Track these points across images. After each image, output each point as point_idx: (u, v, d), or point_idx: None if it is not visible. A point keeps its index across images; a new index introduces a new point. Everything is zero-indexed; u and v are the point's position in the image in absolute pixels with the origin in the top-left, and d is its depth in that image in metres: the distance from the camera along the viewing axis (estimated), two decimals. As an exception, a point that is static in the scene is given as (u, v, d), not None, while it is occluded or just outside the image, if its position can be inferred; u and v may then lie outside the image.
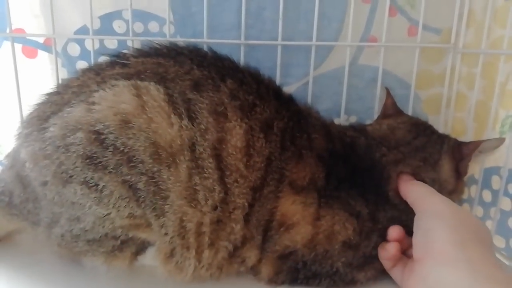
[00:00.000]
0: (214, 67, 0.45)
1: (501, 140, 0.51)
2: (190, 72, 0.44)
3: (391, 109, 0.57)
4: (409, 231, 0.45)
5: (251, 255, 0.44)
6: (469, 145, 0.51)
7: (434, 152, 0.50)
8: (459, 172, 0.51)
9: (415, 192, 0.45)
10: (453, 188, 0.50)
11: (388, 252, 0.44)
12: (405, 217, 0.45)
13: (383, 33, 0.63)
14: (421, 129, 0.52)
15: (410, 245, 0.45)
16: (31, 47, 0.62)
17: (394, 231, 0.45)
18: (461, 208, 0.43)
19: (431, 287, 0.37)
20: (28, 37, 0.61)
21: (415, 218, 0.43)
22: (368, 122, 0.61)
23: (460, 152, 0.51)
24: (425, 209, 0.42)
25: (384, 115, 0.57)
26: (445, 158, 0.50)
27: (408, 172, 0.48)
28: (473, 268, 0.35)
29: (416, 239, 0.41)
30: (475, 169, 0.62)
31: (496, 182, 0.59)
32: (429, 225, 0.40)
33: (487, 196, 0.60)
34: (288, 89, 0.64)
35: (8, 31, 0.58)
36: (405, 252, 0.46)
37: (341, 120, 0.66)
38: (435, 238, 0.39)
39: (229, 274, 0.45)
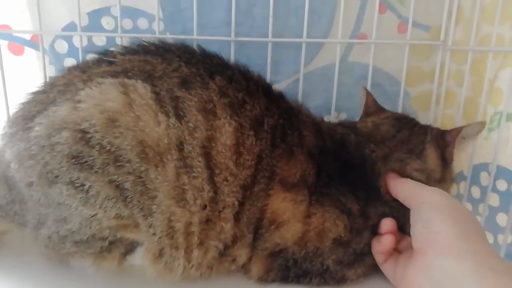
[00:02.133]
0: (203, 64, 0.45)
1: (482, 124, 0.51)
2: (178, 69, 0.44)
3: (373, 107, 0.58)
4: (400, 226, 0.45)
5: (241, 253, 0.44)
6: (452, 131, 0.51)
7: (418, 142, 0.50)
8: (446, 160, 0.52)
9: (406, 189, 0.45)
10: (440, 177, 0.51)
11: (383, 244, 0.44)
12: (396, 213, 0.46)
13: (373, 30, 0.63)
14: (404, 122, 0.53)
15: (400, 240, 0.46)
16: (17, 44, 0.61)
17: (387, 224, 0.45)
18: (453, 198, 0.43)
19: (434, 277, 0.37)
20: (14, 34, 0.60)
21: (412, 211, 0.43)
22: (358, 119, 0.61)
23: (443, 140, 0.51)
24: (421, 201, 0.42)
25: (366, 113, 0.58)
26: (429, 147, 0.50)
27: (396, 168, 0.48)
28: (476, 258, 0.36)
29: (416, 230, 0.41)
30: (464, 165, 0.62)
31: (484, 178, 0.59)
32: (429, 216, 0.40)
33: (475, 192, 0.61)
34: (279, 86, 0.64)
35: (-7, 27, 0.57)
36: (396, 246, 0.45)
37: (332, 117, 0.66)
38: (437, 230, 0.39)
39: (220, 273, 0.45)
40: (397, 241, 0.45)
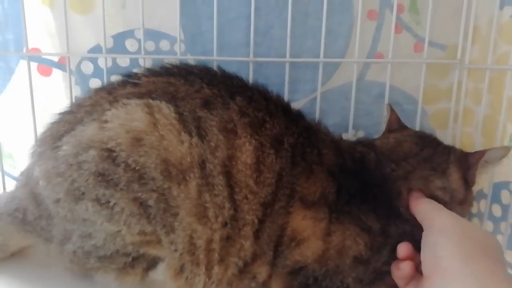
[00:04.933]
0: (224, 85, 0.46)
1: (506, 149, 0.51)
2: (200, 90, 0.45)
3: (396, 124, 0.58)
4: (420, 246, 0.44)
5: (261, 271, 0.44)
6: (475, 154, 0.51)
7: (441, 162, 0.50)
8: (467, 182, 0.51)
9: (423, 209, 0.45)
10: (463, 198, 0.50)
11: (402, 271, 0.43)
12: (417, 232, 0.45)
13: (390, 49, 0.63)
14: (427, 141, 0.53)
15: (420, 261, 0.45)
16: (46, 66, 0.63)
17: (403, 248, 0.44)
18: (468, 222, 0.43)
19: None
20: (43, 56, 0.63)
21: (423, 235, 0.42)
22: (375, 137, 0.61)
23: (466, 162, 0.51)
24: (432, 225, 0.42)
25: (389, 130, 0.58)
26: (453, 167, 0.50)
27: (420, 185, 0.48)
28: (480, 282, 0.35)
29: (424, 256, 0.41)
30: (484, 183, 0.61)
31: (505, 196, 0.58)
32: (435, 241, 0.40)
33: (497, 210, 0.60)
34: (296, 104, 0.65)
35: (24, 50, 0.60)
36: (417, 269, 0.45)
37: (349, 135, 0.67)
38: (441, 254, 0.38)
39: (239, 290, 0.45)
40: (416, 263, 0.44)
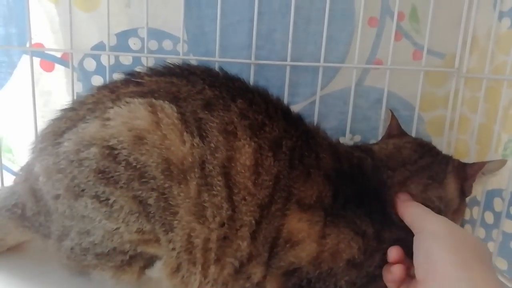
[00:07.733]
0: (225, 87, 0.47)
1: (503, 162, 0.52)
2: (202, 91, 0.45)
3: (396, 130, 0.58)
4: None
5: (256, 271, 0.45)
6: (473, 166, 0.52)
7: (439, 171, 0.51)
8: (463, 193, 0.52)
9: (412, 213, 0.45)
10: (457, 208, 0.51)
11: (394, 274, 0.44)
12: (411, 238, 0.45)
13: (389, 56, 0.64)
14: (426, 149, 0.53)
15: (411, 265, 0.46)
16: (48, 61, 0.64)
17: (394, 252, 0.44)
18: (458, 226, 0.43)
19: None
20: (46, 52, 0.63)
21: (414, 239, 0.43)
22: (372, 141, 0.62)
23: (464, 173, 0.51)
24: (423, 229, 0.43)
25: (389, 135, 0.59)
26: (450, 177, 0.51)
27: (417, 192, 0.48)
28: (473, 287, 0.36)
29: (417, 260, 0.41)
30: (477, 190, 0.62)
31: (498, 204, 0.59)
32: (429, 246, 0.40)
33: (489, 218, 0.61)
34: (295, 107, 0.65)
35: (27, 45, 0.60)
36: (408, 273, 0.46)
37: (346, 139, 0.68)
38: (435, 259, 0.39)
39: (234, 289, 0.46)
40: (407, 267, 0.45)
